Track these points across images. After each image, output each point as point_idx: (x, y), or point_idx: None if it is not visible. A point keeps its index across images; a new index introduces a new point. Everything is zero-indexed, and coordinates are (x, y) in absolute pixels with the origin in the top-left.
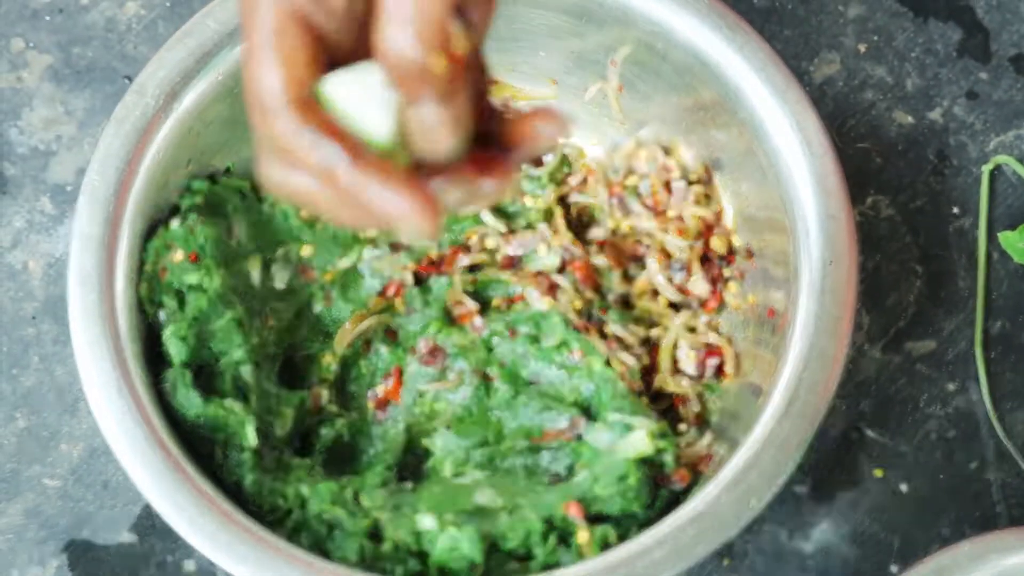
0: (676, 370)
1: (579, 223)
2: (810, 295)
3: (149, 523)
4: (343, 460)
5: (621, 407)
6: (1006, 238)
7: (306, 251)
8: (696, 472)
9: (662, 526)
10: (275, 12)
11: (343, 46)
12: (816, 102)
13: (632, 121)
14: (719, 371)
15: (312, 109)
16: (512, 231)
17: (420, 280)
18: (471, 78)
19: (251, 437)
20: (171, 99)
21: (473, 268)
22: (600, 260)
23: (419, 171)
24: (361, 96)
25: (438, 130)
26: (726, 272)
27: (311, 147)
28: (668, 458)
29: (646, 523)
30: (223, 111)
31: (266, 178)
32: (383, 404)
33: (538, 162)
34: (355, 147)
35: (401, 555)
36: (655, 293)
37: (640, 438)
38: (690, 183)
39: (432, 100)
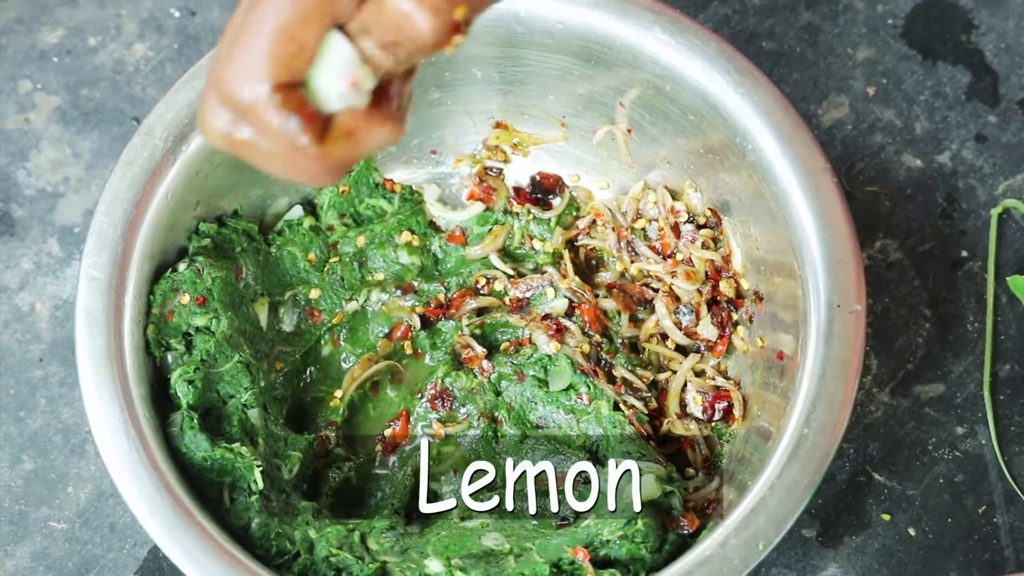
0: (684, 414)
1: (587, 266)
2: (819, 339)
3: (156, 566)
4: (350, 503)
5: (629, 451)
6: (1015, 282)
7: (314, 294)
8: (705, 516)
9: (670, 571)
10: None
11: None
12: (825, 145)
13: (640, 164)
14: (727, 415)
15: (294, 92)
16: (520, 274)
17: (427, 323)
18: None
19: (258, 480)
20: (179, 141)
21: (480, 312)
22: (608, 303)
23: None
24: (325, 69)
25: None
26: (735, 316)
27: (281, 124)
28: (676, 502)
29: (654, 568)
30: (231, 154)
31: (211, 126)
32: (391, 447)
33: (547, 205)
34: (318, 129)
35: None
36: (663, 337)
37: (648, 482)
38: (698, 226)
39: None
